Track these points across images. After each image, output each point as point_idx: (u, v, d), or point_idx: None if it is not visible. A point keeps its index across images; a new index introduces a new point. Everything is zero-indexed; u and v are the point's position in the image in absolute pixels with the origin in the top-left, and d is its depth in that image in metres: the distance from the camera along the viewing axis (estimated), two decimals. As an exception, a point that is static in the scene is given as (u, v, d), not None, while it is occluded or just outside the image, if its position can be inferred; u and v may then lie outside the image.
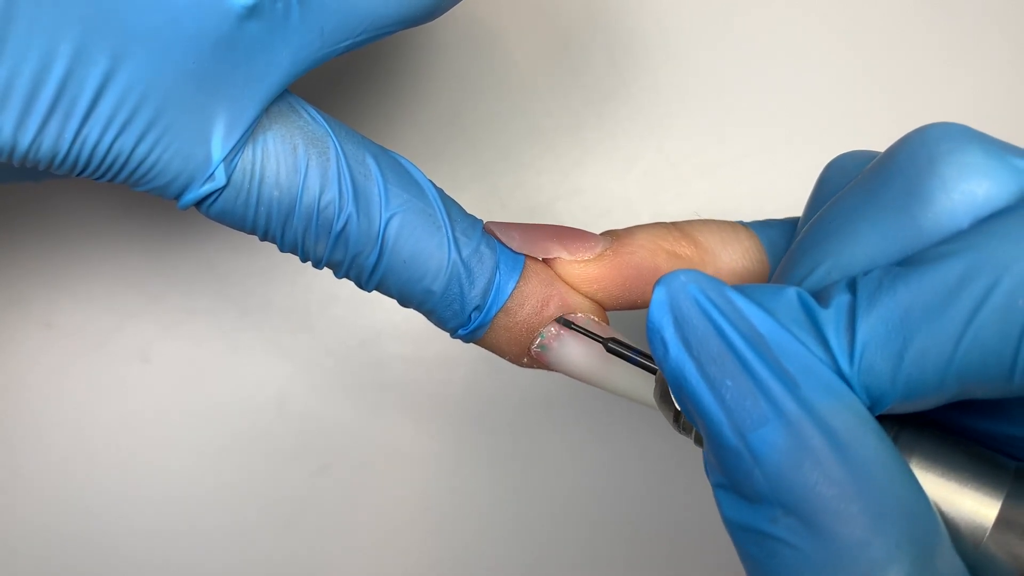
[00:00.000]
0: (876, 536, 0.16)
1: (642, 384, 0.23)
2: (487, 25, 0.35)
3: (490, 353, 0.24)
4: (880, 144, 0.24)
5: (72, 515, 0.35)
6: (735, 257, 0.24)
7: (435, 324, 0.24)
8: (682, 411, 0.19)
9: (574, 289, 0.24)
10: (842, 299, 0.18)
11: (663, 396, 0.20)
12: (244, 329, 0.35)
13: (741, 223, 0.25)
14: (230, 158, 0.20)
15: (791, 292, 0.18)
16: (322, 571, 0.35)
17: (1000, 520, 0.18)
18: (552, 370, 0.24)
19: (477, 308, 0.23)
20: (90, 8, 0.18)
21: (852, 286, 0.18)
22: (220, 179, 0.20)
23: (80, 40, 0.18)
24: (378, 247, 0.22)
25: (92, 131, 0.19)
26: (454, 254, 0.22)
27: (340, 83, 0.35)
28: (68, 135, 0.19)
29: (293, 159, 0.21)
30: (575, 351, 0.23)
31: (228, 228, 0.22)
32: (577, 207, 0.35)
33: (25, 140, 0.18)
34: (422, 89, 0.35)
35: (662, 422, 0.35)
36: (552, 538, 0.35)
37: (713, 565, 0.35)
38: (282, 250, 0.22)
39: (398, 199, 0.22)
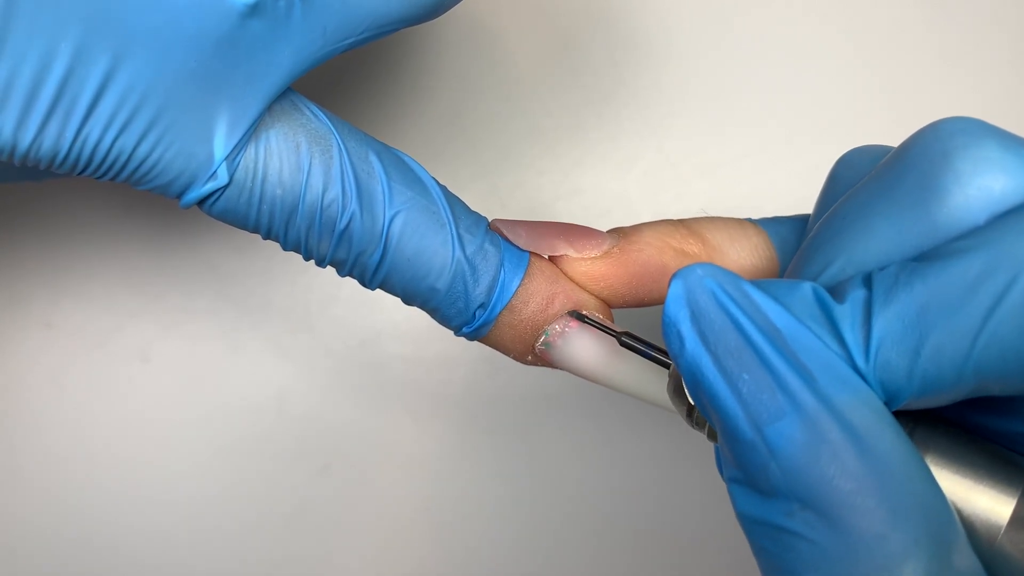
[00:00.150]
0: (894, 530, 0.16)
1: (647, 381, 0.23)
2: (488, 25, 0.35)
3: (491, 352, 0.24)
4: (881, 143, 0.24)
5: (72, 515, 0.35)
6: (743, 254, 0.24)
7: (439, 322, 0.23)
8: (696, 405, 0.19)
9: (580, 287, 0.23)
10: (857, 295, 0.18)
11: (676, 390, 0.20)
12: (244, 329, 0.35)
13: (749, 220, 0.25)
14: (232, 156, 0.20)
15: (806, 287, 0.18)
16: (322, 571, 0.35)
17: (1015, 518, 0.18)
18: (556, 368, 0.24)
19: (481, 306, 0.23)
20: (91, 7, 0.18)
21: (867, 281, 0.18)
22: (222, 178, 0.20)
23: (81, 39, 0.18)
24: (382, 245, 0.22)
25: (93, 130, 0.19)
26: (458, 251, 0.22)
27: (341, 82, 0.35)
28: (69, 134, 0.19)
29: (296, 157, 0.21)
30: (580, 348, 0.23)
31: (228, 227, 0.22)
32: (577, 207, 0.35)
33: (26, 139, 0.18)
34: (423, 88, 0.35)
35: (666, 420, 0.35)
36: (554, 538, 0.35)
37: (719, 565, 0.35)
38: (285, 249, 0.22)
39: (402, 196, 0.22)
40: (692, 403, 0.20)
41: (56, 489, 0.35)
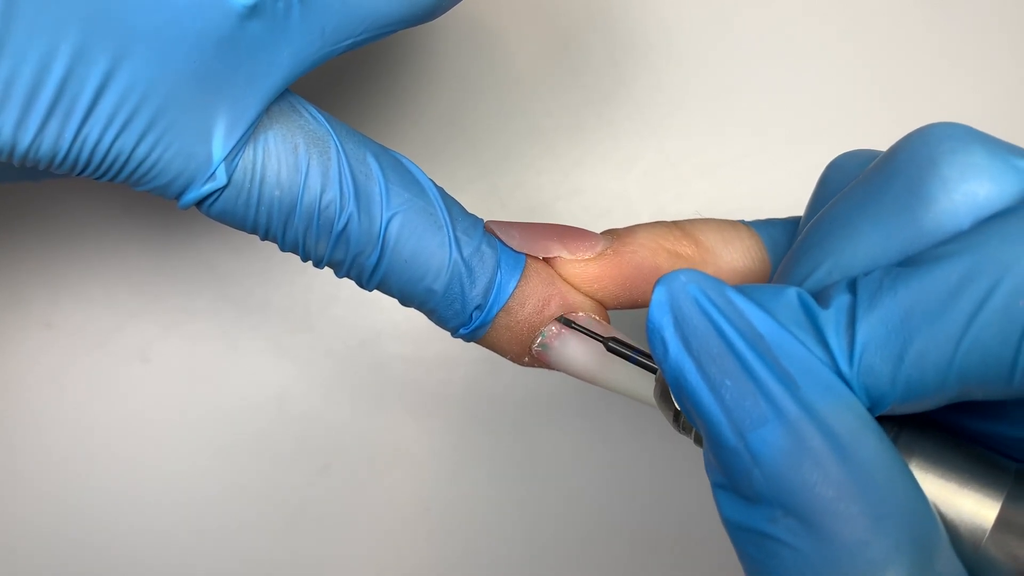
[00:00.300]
0: (876, 537, 0.16)
1: (643, 383, 0.23)
2: (487, 25, 0.35)
3: (490, 353, 0.24)
4: (880, 144, 0.24)
5: (72, 515, 0.35)
6: (736, 256, 0.24)
7: (436, 323, 0.24)
8: (682, 411, 0.19)
9: (575, 288, 0.24)
10: (842, 300, 0.18)
11: (663, 396, 0.20)
12: (244, 329, 0.35)
13: (742, 222, 0.25)
14: (231, 158, 0.20)
15: (791, 292, 0.18)
16: (322, 571, 0.35)
17: (1000, 521, 0.18)
18: (553, 369, 0.24)
19: (478, 307, 0.23)
20: (91, 8, 0.18)
21: (852, 287, 0.18)
22: (221, 179, 0.20)
23: (80, 40, 0.18)
24: (379, 246, 0.22)
25: (92, 131, 0.19)
26: (455, 253, 0.22)
27: (340, 83, 0.35)
28: (68, 135, 0.19)
29: (294, 158, 0.21)
30: (576, 350, 0.23)
31: (228, 228, 0.22)
32: (577, 207, 0.35)
33: (25, 140, 0.18)
34: (422, 89, 0.35)
35: (662, 422, 0.35)
36: (553, 538, 0.35)
37: (714, 565, 0.35)
38: (283, 250, 0.22)
39: (399, 198, 0.22)
40: (678, 408, 0.20)
41: (56, 489, 0.35)
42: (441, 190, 0.23)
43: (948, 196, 0.18)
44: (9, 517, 0.35)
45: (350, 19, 0.21)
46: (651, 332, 0.18)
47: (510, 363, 0.24)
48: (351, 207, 0.21)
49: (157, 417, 0.35)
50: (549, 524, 0.35)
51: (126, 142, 0.19)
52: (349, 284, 0.35)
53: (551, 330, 0.23)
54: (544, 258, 0.24)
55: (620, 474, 0.35)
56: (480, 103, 0.35)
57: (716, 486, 0.18)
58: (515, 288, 0.23)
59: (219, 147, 0.20)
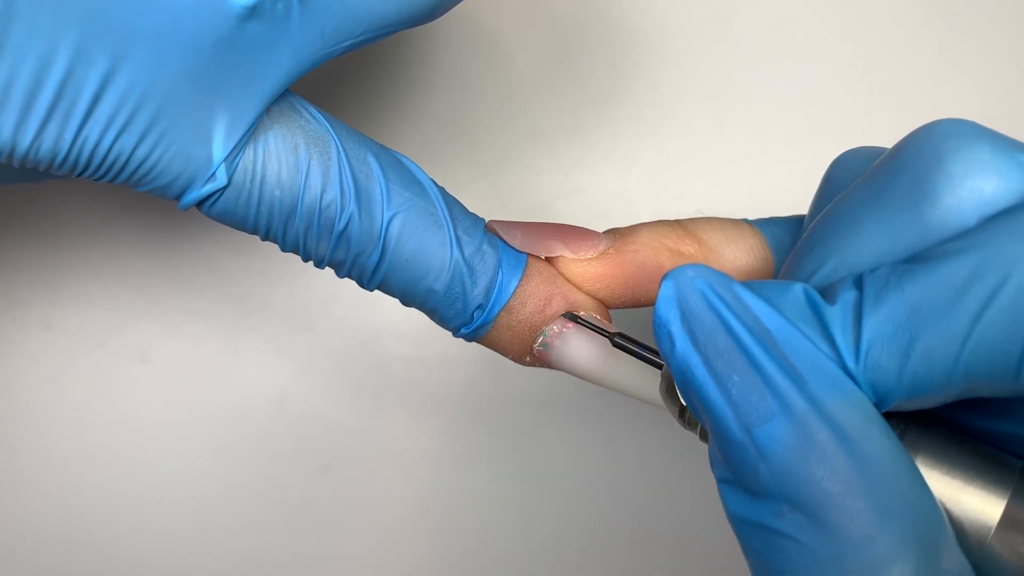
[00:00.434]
0: (882, 532, 0.16)
1: (644, 381, 0.23)
2: (487, 25, 0.35)
3: (490, 353, 0.24)
4: (881, 144, 0.24)
5: (72, 515, 0.35)
6: (739, 255, 0.24)
7: (437, 323, 0.24)
8: (688, 406, 0.19)
9: (577, 287, 0.24)
10: (848, 296, 0.18)
11: (668, 391, 0.20)
12: (244, 329, 0.35)
13: (746, 220, 0.25)
14: (231, 158, 0.20)
15: (797, 288, 0.18)
16: (322, 571, 0.35)
17: (1005, 519, 0.18)
18: (554, 368, 0.24)
19: (480, 307, 0.23)
20: (90, 9, 0.18)
21: (859, 283, 0.18)
22: (221, 179, 0.20)
23: (80, 41, 0.18)
24: (380, 246, 0.22)
25: (92, 132, 0.19)
26: (456, 253, 0.22)
27: (340, 83, 0.35)
28: (68, 136, 0.19)
29: (294, 159, 0.21)
30: (578, 349, 0.23)
31: (228, 228, 0.22)
32: (577, 207, 0.35)
33: (25, 141, 0.18)
34: (422, 89, 0.35)
35: (664, 421, 0.35)
36: (553, 538, 0.35)
37: (716, 565, 0.35)
38: (284, 250, 0.22)
39: (400, 198, 0.22)
40: (684, 403, 0.20)
41: (56, 489, 0.35)
42: (442, 190, 0.23)
43: (954, 192, 0.18)
44: (9, 517, 0.35)
45: (350, 20, 0.20)
46: (658, 326, 0.18)
47: (510, 363, 0.24)
48: (352, 207, 0.21)
49: (157, 417, 0.35)
50: (549, 524, 0.35)
51: (126, 143, 0.19)
52: (349, 284, 0.35)
53: (553, 329, 0.23)
54: (546, 257, 0.24)
55: (620, 474, 0.35)
56: (480, 103, 0.35)
57: (721, 481, 0.18)
58: (516, 287, 0.23)
59: (219, 148, 0.20)
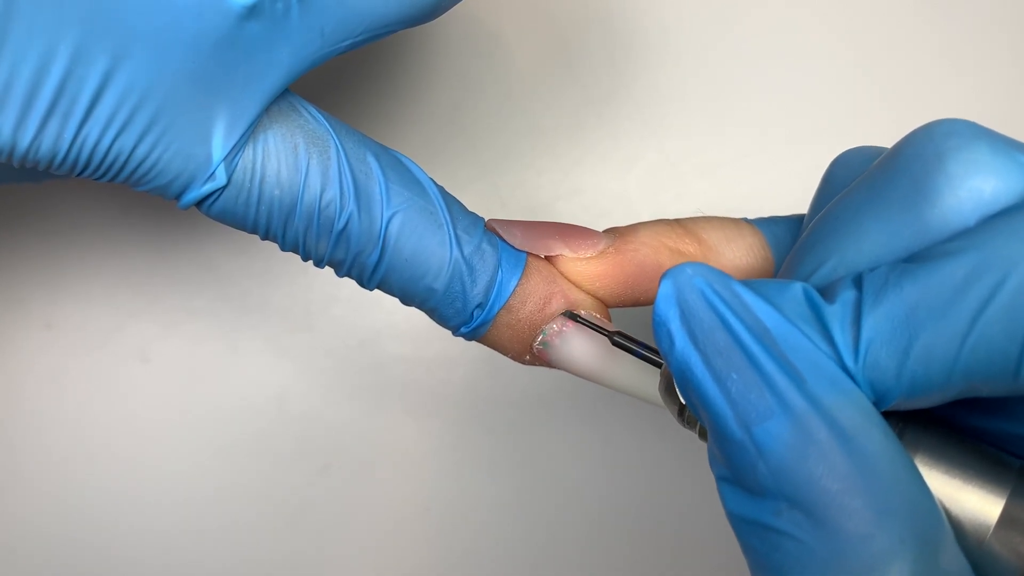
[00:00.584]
0: (880, 530, 0.16)
1: (644, 380, 0.23)
2: (487, 25, 0.35)
3: (490, 352, 0.24)
4: (880, 143, 0.24)
5: (72, 515, 0.35)
6: (739, 254, 0.24)
7: (437, 322, 0.24)
8: (687, 404, 0.19)
9: (576, 286, 0.24)
10: (848, 295, 0.18)
11: (668, 390, 0.20)
12: (244, 329, 0.35)
13: (745, 220, 0.25)
14: (231, 157, 0.20)
15: (797, 287, 0.18)
16: (322, 571, 0.35)
17: (1004, 518, 0.18)
18: (554, 367, 0.24)
19: (479, 306, 0.23)
20: (90, 8, 0.18)
21: (858, 282, 0.18)
22: (221, 178, 0.20)
23: (80, 40, 0.18)
24: (380, 245, 0.22)
25: (92, 131, 0.19)
26: (456, 252, 0.22)
27: (340, 82, 0.35)
28: (68, 135, 0.19)
29: (294, 158, 0.21)
30: (577, 348, 0.23)
31: (228, 228, 0.22)
32: (577, 207, 0.35)
33: (25, 140, 0.18)
34: (422, 89, 0.35)
35: (663, 420, 0.35)
36: (553, 537, 0.35)
37: (715, 564, 0.35)
38: (283, 249, 0.22)
39: (399, 197, 0.22)
40: (683, 402, 0.20)
41: (56, 489, 0.35)
42: (441, 189, 0.23)
43: (953, 192, 0.18)
44: (9, 517, 0.35)
45: (349, 19, 0.20)
46: (657, 325, 0.18)
47: (510, 362, 0.24)
48: (351, 206, 0.21)
49: (157, 417, 0.35)
50: (548, 523, 0.35)
51: (126, 142, 0.19)
52: (349, 284, 0.35)
53: (552, 328, 0.23)
54: (546, 256, 0.24)
55: (619, 473, 0.35)
56: (480, 103, 0.35)
57: (720, 479, 0.18)
58: (516, 286, 0.23)
59: (219, 147, 0.20)
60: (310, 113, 0.22)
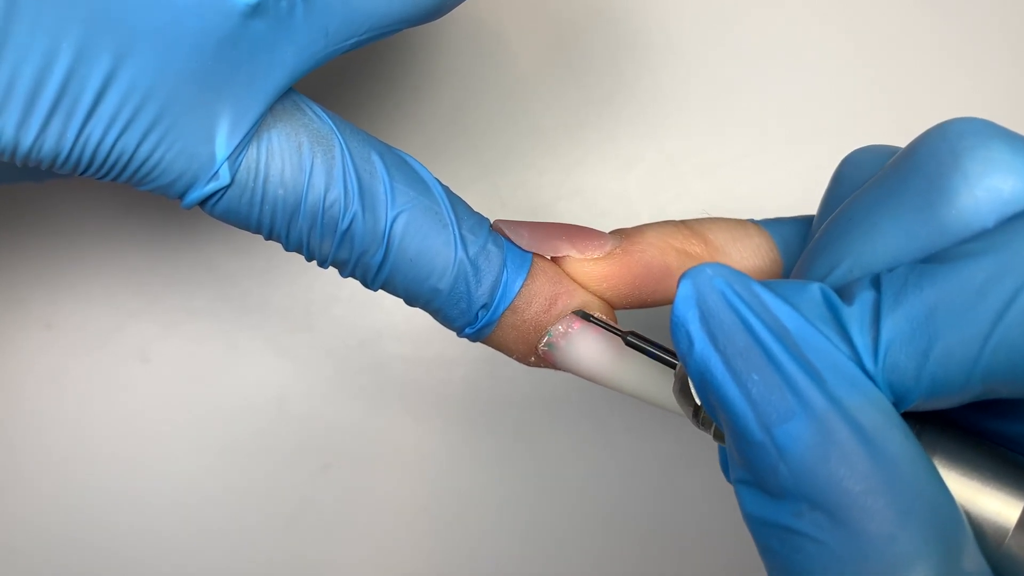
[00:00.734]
0: (903, 531, 0.16)
1: (651, 382, 0.23)
2: (489, 25, 0.35)
3: (491, 353, 0.24)
4: (881, 143, 0.24)
5: (72, 515, 0.35)
6: (746, 255, 0.24)
7: (442, 323, 0.23)
8: (704, 406, 0.19)
9: (583, 287, 0.23)
10: (866, 296, 0.18)
11: (683, 391, 0.20)
12: (244, 329, 0.35)
13: (752, 221, 0.25)
14: (234, 157, 0.20)
15: (814, 288, 0.18)
16: (322, 571, 0.35)
17: (1023, 521, 0.18)
18: (559, 369, 0.24)
19: (484, 306, 0.23)
20: (92, 7, 0.18)
21: (876, 283, 0.18)
22: (224, 178, 0.20)
23: (82, 39, 0.18)
24: (384, 245, 0.22)
25: (95, 130, 0.19)
26: (460, 252, 0.22)
27: (343, 82, 0.34)
28: (70, 134, 0.19)
29: (298, 157, 0.21)
30: (583, 349, 0.23)
31: (228, 228, 0.22)
32: (578, 207, 0.35)
33: (27, 139, 0.18)
34: (424, 88, 0.35)
35: (666, 421, 0.35)
36: (554, 538, 0.35)
37: (720, 566, 0.35)
38: (287, 249, 0.22)
39: (404, 197, 0.22)
40: (698, 403, 0.20)
41: (56, 489, 0.35)
42: (446, 188, 0.23)
43: (971, 192, 0.18)
44: (9, 517, 0.35)
45: (353, 18, 0.20)
46: (676, 326, 0.18)
47: (510, 363, 0.24)
48: (355, 206, 0.21)
49: (157, 417, 0.35)
50: (549, 524, 0.35)
51: (129, 142, 0.19)
52: (349, 284, 0.35)
53: (558, 329, 0.23)
54: (552, 257, 0.24)
55: (621, 474, 0.35)
56: (482, 103, 0.35)
57: (739, 482, 0.18)
58: (521, 287, 0.23)
59: (222, 146, 0.20)
60: (314, 112, 0.22)
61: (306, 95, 0.22)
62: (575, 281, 0.23)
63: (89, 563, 0.35)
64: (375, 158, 0.22)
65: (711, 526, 0.35)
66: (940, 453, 0.18)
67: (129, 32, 0.18)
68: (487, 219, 0.24)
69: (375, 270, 0.22)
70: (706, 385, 0.18)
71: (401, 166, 0.22)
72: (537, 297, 0.23)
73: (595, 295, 0.24)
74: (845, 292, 0.18)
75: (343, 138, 0.21)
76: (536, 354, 0.23)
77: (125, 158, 0.19)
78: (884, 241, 0.19)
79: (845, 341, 0.18)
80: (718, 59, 0.35)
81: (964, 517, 0.17)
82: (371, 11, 0.21)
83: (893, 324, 0.17)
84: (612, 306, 0.24)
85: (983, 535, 0.18)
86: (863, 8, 0.36)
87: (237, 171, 0.20)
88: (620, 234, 0.24)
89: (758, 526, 0.17)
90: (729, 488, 0.20)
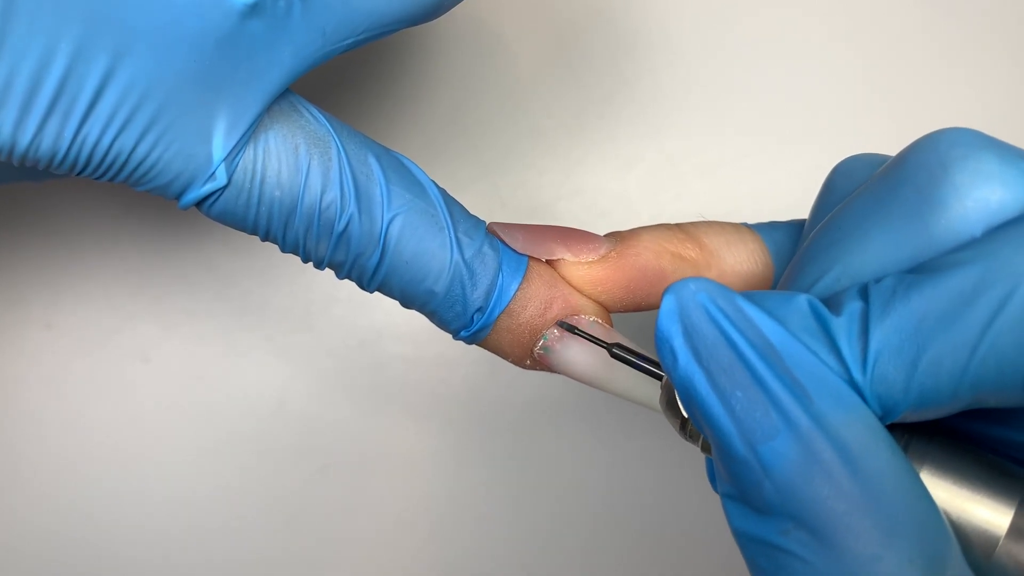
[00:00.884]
0: (888, 551, 0.16)
1: (645, 387, 0.22)
2: (489, 25, 0.35)
3: (491, 354, 0.24)
4: (880, 145, 0.24)
5: (72, 515, 0.35)
6: (740, 259, 0.24)
7: (437, 325, 0.23)
8: (690, 419, 0.19)
9: (578, 291, 0.23)
10: (854, 307, 0.18)
11: (670, 404, 0.20)
12: (244, 329, 0.35)
13: (746, 225, 0.25)
14: (231, 157, 0.20)
15: (802, 300, 0.18)
16: (321, 571, 0.35)
17: (1013, 530, 0.17)
18: (555, 372, 0.24)
19: (480, 309, 0.23)
20: (90, 7, 0.18)
21: (864, 293, 0.18)
22: (221, 179, 0.20)
23: (80, 38, 0.18)
24: (380, 248, 0.22)
25: (92, 130, 0.19)
26: (456, 255, 0.22)
27: (341, 82, 0.34)
28: (68, 134, 0.19)
29: (295, 159, 0.21)
30: (578, 353, 0.23)
31: (228, 228, 0.22)
32: (578, 207, 0.35)
33: (24, 139, 0.18)
34: (423, 89, 0.35)
35: (664, 425, 0.35)
36: (552, 539, 0.35)
37: (716, 569, 0.35)
38: (283, 251, 0.22)
39: (400, 199, 0.22)
40: (685, 416, 0.19)
41: (56, 489, 0.35)
42: (443, 191, 0.23)
43: (960, 202, 0.18)
44: (9, 517, 0.35)
45: (351, 18, 0.20)
46: (660, 341, 0.18)
47: (510, 365, 0.24)
48: (352, 208, 0.21)
49: (157, 417, 0.35)
50: (548, 525, 0.35)
51: (126, 141, 0.19)
52: (349, 284, 0.35)
53: (553, 333, 0.23)
54: (547, 260, 0.24)
55: (619, 476, 0.35)
56: (481, 103, 0.35)
57: (725, 496, 0.18)
58: (517, 290, 0.23)
59: (219, 147, 0.20)
60: (311, 113, 0.22)
61: (304, 95, 0.22)
62: (570, 284, 0.23)
63: (89, 563, 0.35)
64: (372, 160, 0.22)
65: (710, 527, 0.35)
66: (928, 463, 0.18)
67: (127, 32, 0.18)
68: (483, 222, 0.24)
69: (371, 272, 0.22)
70: (691, 401, 0.18)
71: (398, 168, 0.22)
72: (532, 301, 0.23)
73: (590, 298, 0.23)
74: (833, 303, 0.18)
75: (340, 140, 0.21)
76: (532, 357, 0.23)
77: (122, 158, 0.19)
78: (873, 250, 0.19)
79: (833, 353, 0.17)
80: (718, 59, 0.35)
81: (951, 532, 0.17)
82: (369, 11, 0.21)
83: (881, 335, 0.17)
84: (607, 309, 0.24)
85: (973, 544, 0.18)
86: (863, 10, 0.36)
87: (234, 172, 0.20)
88: (615, 237, 0.24)
89: (746, 541, 0.17)
90: (726, 492, 0.19)
